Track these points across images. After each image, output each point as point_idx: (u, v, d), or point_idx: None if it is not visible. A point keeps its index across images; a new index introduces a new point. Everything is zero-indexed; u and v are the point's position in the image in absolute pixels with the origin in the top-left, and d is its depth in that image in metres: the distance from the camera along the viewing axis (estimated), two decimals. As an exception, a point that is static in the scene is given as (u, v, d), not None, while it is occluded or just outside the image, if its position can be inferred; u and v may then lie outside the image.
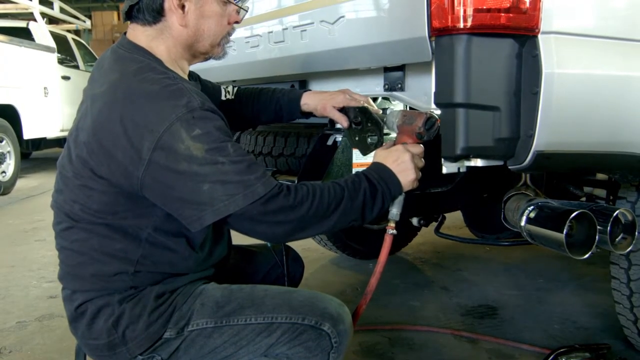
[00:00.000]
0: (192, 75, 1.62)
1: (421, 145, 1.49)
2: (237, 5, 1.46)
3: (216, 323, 1.36)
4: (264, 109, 1.84)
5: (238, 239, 1.47)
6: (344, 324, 1.37)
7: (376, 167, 1.42)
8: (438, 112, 1.51)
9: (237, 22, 1.48)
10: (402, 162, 1.42)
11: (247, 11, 1.52)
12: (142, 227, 1.33)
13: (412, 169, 1.42)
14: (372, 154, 1.75)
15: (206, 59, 1.50)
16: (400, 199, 1.46)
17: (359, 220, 1.37)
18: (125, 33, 1.43)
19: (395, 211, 1.47)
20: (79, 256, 1.36)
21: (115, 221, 1.32)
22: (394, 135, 1.89)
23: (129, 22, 1.42)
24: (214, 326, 1.36)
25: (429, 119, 1.46)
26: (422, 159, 1.47)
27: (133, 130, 1.21)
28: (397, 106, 1.92)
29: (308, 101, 1.76)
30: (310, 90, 1.85)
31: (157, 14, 1.36)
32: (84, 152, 1.29)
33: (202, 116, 1.23)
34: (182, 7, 1.36)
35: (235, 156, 1.23)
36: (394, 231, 1.50)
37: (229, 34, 1.49)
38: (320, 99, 1.74)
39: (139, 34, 1.39)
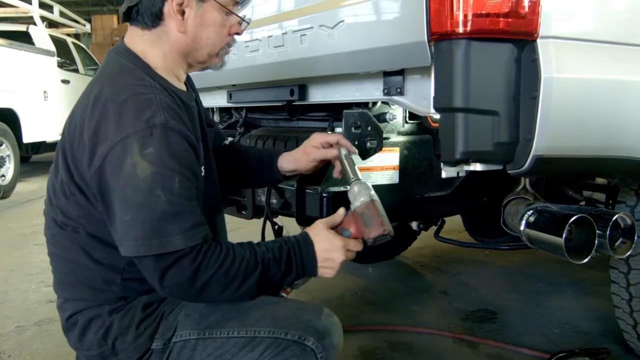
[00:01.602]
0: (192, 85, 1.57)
1: (361, 246, 1.37)
2: (239, 17, 1.41)
3: (199, 334, 1.31)
4: (251, 171, 1.73)
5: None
6: (331, 337, 1.31)
7: (306, 249, 1.31)
8: (437, 116, 1.51)
9: (237, 34, 1.44)
10: (331, 259, 1.32)
11: (248, 23, 1.47)
12: None
13: (335, 268, 1.33)
14: (372, 158, 1.76)
15: (203, 69, 1.46)
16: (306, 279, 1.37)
17: (253, 298, 1.30)
18: (122, 37, 1.42)
19: (299, 283, 1.37)
20: (68, 263, 1.35)
21: (96, 230, 1.30)
22: (395, 139, 1.89)
23: (128, 23, 1.40)
24: (197, 337, 1.31)
25: (383, 235, 1.34)
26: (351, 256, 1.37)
27: (94, 135, 1.20)
28: (396, 111, 1.92)
29: (284, 164, 1.65)
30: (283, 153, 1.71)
31: (156, 18, 1.32)
32: (62, 156, 1.30)
33: (160, 135, 1.18)
34: (182, 13, 1.32)
35: (174, 195, 1.16)
36: (286, 295, 1.40)
37: (229, 44, 1.44)
38: (296, 153, 1.63)
39: (137, 37, 1.37)
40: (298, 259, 1.29)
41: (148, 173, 1.15)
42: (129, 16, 1.36)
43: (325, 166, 1.81)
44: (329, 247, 1.31)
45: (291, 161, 1.65)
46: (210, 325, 1.32)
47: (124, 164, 1.16)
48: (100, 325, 1.32)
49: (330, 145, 1.57)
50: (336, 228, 1.37)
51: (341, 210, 1.39)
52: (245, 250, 1.25)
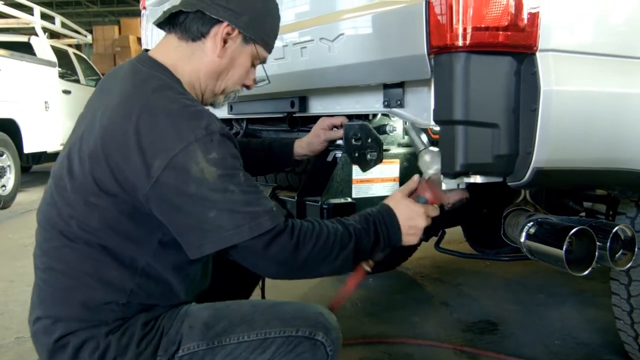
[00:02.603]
0: None
1: (438, 210, 1.46)
2: (265, 75, 1.57)
3: (208, 345, 1.31)
4: (256, 157, 1.88)
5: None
6: (336, 332, 1.36)
7: (389, 218, 1.39)
8: (437, 128, 1.52)
9: (247, 87, 1.53)
10: (414, 227, 1.40)
11: (269, 82, 1.60)
12: (140, 255, 1.29)
13: (419, 233, 1.42)
14: (372, 170, 1.76)
15: (206, 104, 1.50)
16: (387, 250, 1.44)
17: (352, 267, 1.36)
18: (144, 49, 1.44)
19: (381, 255, 1.44)
20: (69, 280, 1.29)
21: (114, 245, 1.27)
22: (395, 151, 1.90)
23: (163, 30, 1.42)
24: (205, 348, 1.31)
25: (461, 200, 1.43)
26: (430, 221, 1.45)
27: (147, 146, 1.20)
28: (396, 123, 1.93)
29: (297, 150, 1.90)
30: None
31: (199, 34, 1.38)
32: (89, 164, 1.26)
33: (220, 141, 1.23)
34: (225, 41, 1.39)
35: (246, 186, 1.23)
36: (370, 269, 1.47)
37: (237, 92, 1.53)
38: (308, 137, 1.88)
39: (171, 48, 1.40)
40: (384, 229, 1.36)
41: (216, 175, 1.20)
42: (172, 21, 1.39)
43: (326, 177, 1.82)
44: (411, 215, 1.39)
45: (304, 146, 1.89)
46: (218, 334, 1.32)
47: (191, 170, 1.19)
48: (95, 346, 1.27)
49: (336, 127, 1.84)
50: (410, 196, 1.45)
51: (416, 177, 1.49)
52: (336, 224, 1.32)
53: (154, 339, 1.30)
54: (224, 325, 1.33)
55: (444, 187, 1.54)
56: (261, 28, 1.44)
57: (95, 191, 1.26)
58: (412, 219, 1.39)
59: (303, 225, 1.27)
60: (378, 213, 1.39)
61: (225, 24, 1.37)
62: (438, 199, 1.43)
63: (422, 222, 1.40)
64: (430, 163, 1.45)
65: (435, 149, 1.44)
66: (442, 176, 1.44)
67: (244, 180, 1.23)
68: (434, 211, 1.44)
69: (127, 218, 1.26)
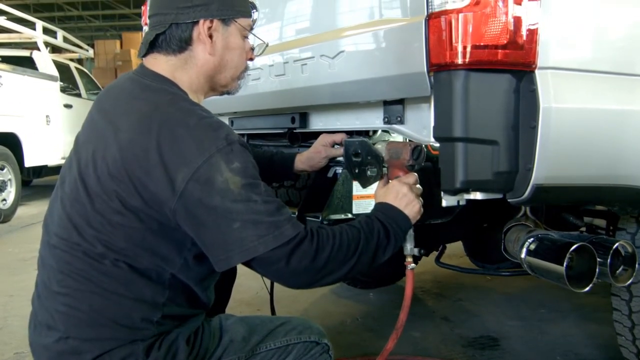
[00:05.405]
0: None
1: (414, 173, 1.55)
2: (260, 39, 1.54)
3: (246, 356, 1.45)
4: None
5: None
6: (327, 338, 1.58)
7: (381, 207, 1.47)
8: (437, 145, 1.52)
9: (251, 59, 1.53)
10: (403, 196, 1.47)
11: (267, 45, 1.60)
12: (165, 268, 1.29)
13: (414, 199, 1.47)
14: (373, 186, 1.77)
15: (222, 94, 1.52)
16: (411, 233, 1.51)
17: (373, 263, 1.38)
18: (142, 63, 1.43)
19: (409, 246, 1.52)
20: (98, 299, 1.27)
21: (140, 262, 1.27)
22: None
23: (149, 53, 1.41)
24: (244, 359, 1.45)
25: (414, 149, 1.52)
26: (419, 186, 1.53)
27: (169, 160, 1.20)
28: (396, 139, 1.93)
29: (297, 165, 1.92)
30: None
31: (184, 44, 1.38)
32: (111, 184, 1.25)
33: (240, 150, 1.25)
34: (210, 36, 1.39)
35: (266, 195, 1.24)
36: (413, 265, 1.56)
37: (246, 69, 1.52)
38: (308, 153, 1.90)
39: (162, 63, 1.39)
40: (382, 215, 1.43)
41: (240, 185, 1.21)
42: (154, 44, 1.40)
43: (326, 193, 1.82)
44: (392, 192, 1.49)
45: (304, 161, 1.92)
46: (253, 345, 1.47)
47: (215, 181, 1.20)
48: None
49: (337, 144, 1.86)
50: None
51: (383, 178, 1.63)
52: (341, 226, 1.36)
53: (198, 355, 1.37)
54: (257, 338, 1.48)
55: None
56: (232, 3, 1.42)
57: (119, 210, 1.25)
58: (398, 194, 1.47)
59: (320, 231, 1.30)
60: (372, 211, 1.47)
61: (202, 21, 1.37)
62: (402, 166, 1.54)
63: (404, 189, 1.48)
64: (381, 150, 1.60)
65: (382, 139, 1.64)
66: (384, 144, 1.61)
67: (264, 189, 1.25)
68: (408, 177, 1.53)
69: (153, 235, 1.26)
